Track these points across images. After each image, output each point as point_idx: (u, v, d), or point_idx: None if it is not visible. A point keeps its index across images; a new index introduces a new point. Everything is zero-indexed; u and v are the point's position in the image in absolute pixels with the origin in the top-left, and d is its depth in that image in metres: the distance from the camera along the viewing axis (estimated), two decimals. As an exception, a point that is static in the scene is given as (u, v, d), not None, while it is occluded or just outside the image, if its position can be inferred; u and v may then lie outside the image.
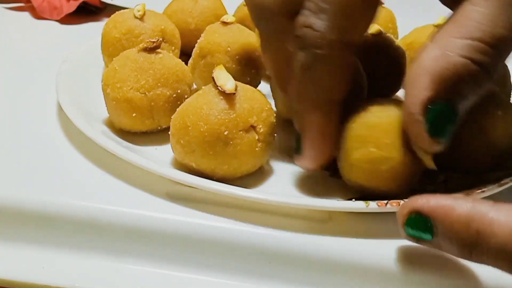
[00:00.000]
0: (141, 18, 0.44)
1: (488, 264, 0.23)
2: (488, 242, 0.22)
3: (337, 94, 0.30)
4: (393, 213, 0.31)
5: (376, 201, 0.30)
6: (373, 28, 0.46)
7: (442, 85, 0.26)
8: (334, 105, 0.30)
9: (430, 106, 0.26)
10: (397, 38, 0.51)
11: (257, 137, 0.33)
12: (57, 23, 0.60)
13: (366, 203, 0.30)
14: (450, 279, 0.28)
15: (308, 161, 0.31)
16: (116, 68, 0.37)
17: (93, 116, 0.38)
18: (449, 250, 0.24)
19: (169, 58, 0.38)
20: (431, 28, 0.50)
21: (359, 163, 0.30)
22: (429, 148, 0.27)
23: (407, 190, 0.30)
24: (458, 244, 0.23)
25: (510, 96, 0.39)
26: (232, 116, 0.32)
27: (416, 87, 0.26)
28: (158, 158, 0.35)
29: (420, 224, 0.24)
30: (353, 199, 0.31)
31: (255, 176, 0.35)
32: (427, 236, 0.24)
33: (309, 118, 0.30)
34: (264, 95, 0.35)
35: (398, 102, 0.31)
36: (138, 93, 0.36)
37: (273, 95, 0.39)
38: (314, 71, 0.29)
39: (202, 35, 0.43)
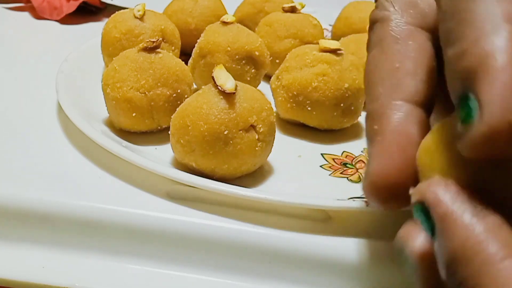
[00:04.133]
0: (141, 18, 0.44)
1: None
2: None
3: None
4: (393, 212, 0.31)
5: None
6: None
7: None
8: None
9: None
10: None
11: (257, 137, 0.33)
12: (57, 23, 0.60)
13: (366, 202, 0.30)
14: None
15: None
16: (116, 68, 0.36)
17: (93, 116, 0.38)
18: (439, 268, 0.18)
19: (169, 58, 0.38)
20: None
21: None
22: None
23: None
24: (444, 268, 0.18)
25: None
26: (232, 116, 0.32)
27: None
28: (158, 157, 0.35)
29: (424, 216, 0.19)
30: (353, 199, 0.31)
31: (255, 175, 0.35)
32: (428, 232, 0.19)
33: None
34: (264, 94, 0.35)
35: None
36: (138, 93, 0.36)
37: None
38: None
39: (202, 35, 0.43)
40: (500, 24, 0.18)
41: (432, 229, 0.18)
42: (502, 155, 0.18)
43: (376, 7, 0.25)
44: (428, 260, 0.19)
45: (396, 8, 0.25)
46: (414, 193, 0.19)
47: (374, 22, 0.25)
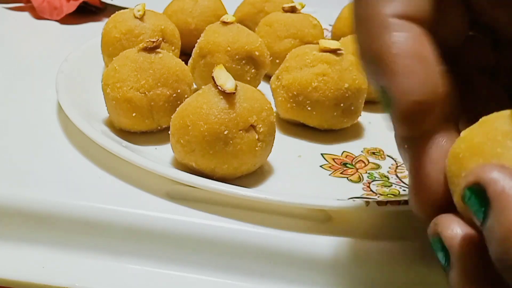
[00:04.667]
0: (141, 18, 0.44)
1: None
2: None
3: None
4: (393, 212, 0.31)
5: (376, 201, 0.30)
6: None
7: None
8: None
9: None
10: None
11: (257, 137, 0.33)
12: (57, 23, 0.60)
13: (366, 202, 0.30)
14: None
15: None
16: (116, 68, 0.36)
17: (93, 116, 0.38)
18: (491, 248, 0.18)
19: (169, 58, 0.38)
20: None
21: None
22: None
23: None
24: (498, 246, 0.18)
25: None
26: (232, 116, 0.32)
27: None
28: (158, 157, 0.35)
29: (477, 198, 0.18)
30: (353, 199, 0.31)
31: (255, 175, 0.35)
32: (479, 215, 0.18)
33: None
34: (264, 94, 0.35)
35: None
36: (138, 93, 0.36)
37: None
38: None
39: (202, 35, 0.43)
40: (388, 23, 0.21)
41: (484, 211, 0.18)
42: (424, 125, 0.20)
43: None
44: (467, 246, 0.19)
45: None
46: (468, 175, 0.19)
47: None
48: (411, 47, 0.20)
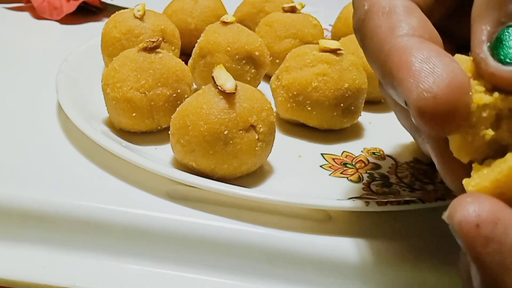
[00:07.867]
0: (141, 18, 0.44)
1: None
2: None
3: None
4: (393, 212, 0.31)
5: (376, 201, 0.30)
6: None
7: None
8: None
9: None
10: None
11: (257, 137, 0.33)
12: (57, 23, 0.60)
13: (366, 202, 0.30)
14: (451, 278, 0.28)
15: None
16: (116, 68, 0.36)
17: (93, 116, 0.38)
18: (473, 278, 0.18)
19: (169, 58, 0.38)
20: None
21: None
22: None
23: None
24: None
25: None
26: (232, 116, 0.32)
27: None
28: (158, 157, 0.35)
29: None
30: (353, 199, 0.31)
31: (255, 175, 0.35)
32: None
33: None
34: (264, 94, 0.35)
35: None
36: (138, 93, 0.36)
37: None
38: None
39: (202, 35, 0.43)
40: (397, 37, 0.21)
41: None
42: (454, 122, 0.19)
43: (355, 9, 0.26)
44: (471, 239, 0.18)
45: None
46: (447, 216, 0.18)
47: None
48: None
